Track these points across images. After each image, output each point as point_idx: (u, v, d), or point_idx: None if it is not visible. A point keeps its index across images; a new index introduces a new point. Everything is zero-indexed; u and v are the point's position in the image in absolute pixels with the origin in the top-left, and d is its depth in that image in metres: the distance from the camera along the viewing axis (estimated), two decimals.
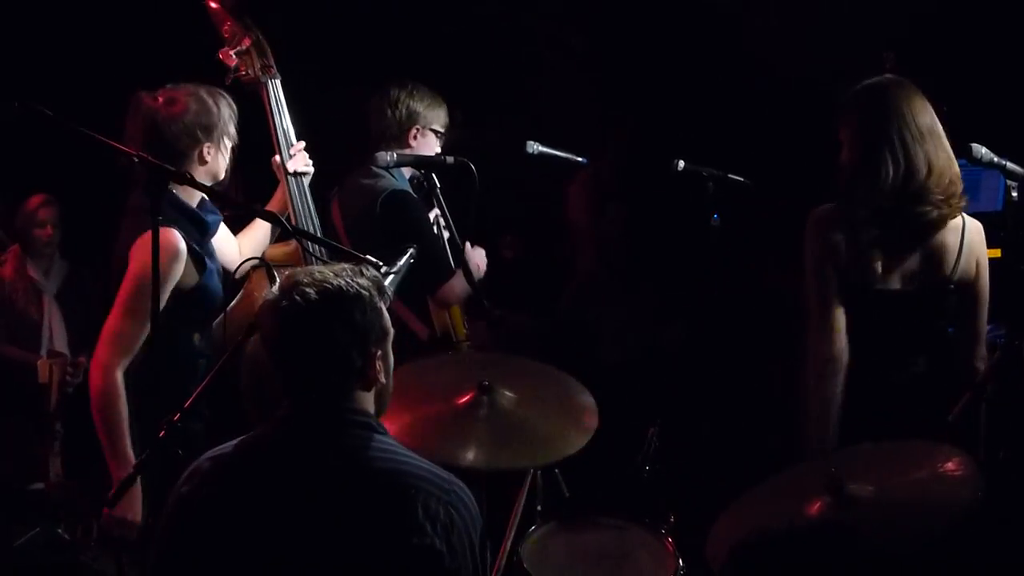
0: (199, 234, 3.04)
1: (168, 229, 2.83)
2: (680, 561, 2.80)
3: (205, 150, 3.04)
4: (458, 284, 3.68)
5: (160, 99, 3.02)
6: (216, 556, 2.00)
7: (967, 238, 2.99)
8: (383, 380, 2.10)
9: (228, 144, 3.11)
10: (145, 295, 2.66)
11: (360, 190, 3.77)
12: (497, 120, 5.40)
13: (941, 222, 2.95)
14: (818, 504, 2.29)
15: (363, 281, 2.06)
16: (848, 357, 2.99)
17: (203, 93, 3.06)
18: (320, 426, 2.05)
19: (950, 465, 2.27)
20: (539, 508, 3.10)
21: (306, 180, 3.41)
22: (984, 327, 3.03)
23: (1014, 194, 2.86)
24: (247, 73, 3.35)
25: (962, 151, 2.87)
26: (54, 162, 4.77)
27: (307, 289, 2.01)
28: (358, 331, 2.03)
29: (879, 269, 2.96)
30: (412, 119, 3.80)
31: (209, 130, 3.04)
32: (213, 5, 3.35)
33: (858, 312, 2.99)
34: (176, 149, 2.97)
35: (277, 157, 3.40)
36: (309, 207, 3.40)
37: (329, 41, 5.24)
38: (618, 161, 4.92)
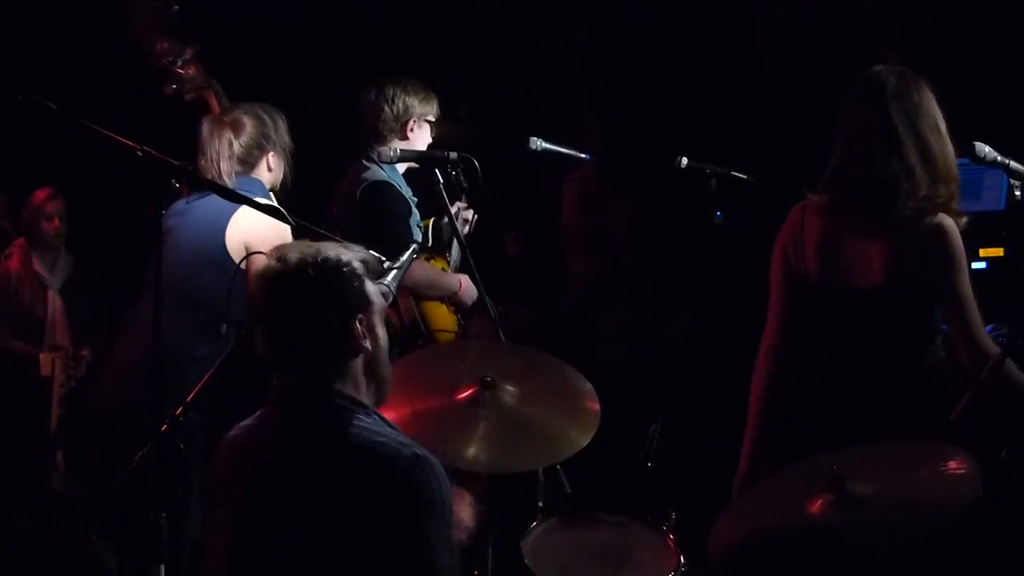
0: None
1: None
2: (682, 558, 2.80)
3: (270, 158, 3.42)
4: (417, 270, 3.75)
5: (227, 121, 3.37)
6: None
7: (936, 239, 2.81)
8: (367, 347, 2.12)
9: (285, 151, 3.46)
10: None
11: (349, 180, 3.90)
12: (500, 116, 5.41)
13: (915, 220, 2.82)
14: (820, 502, 2.29)
15: (348, 252, 2.14)
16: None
17: (259, 110, 3.43)
18: (302, 409, 2.11)
19: (952, 464, 2.27)
20: (541, 504, 3.10)
21: None
22: (968, 327, 2.81)
23: (1017, 193, 2.85)
24: (192, 81, 3.40)
25: (965, 150, 2.85)
26: (58, 156, 4.77)
27: (290, 255, 2.11)
28: (336, 294, 2.09)
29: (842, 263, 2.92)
30: (408, 112, 3.91)
31: (271, 139, 3.42)
32: (145, 37, 3.41)
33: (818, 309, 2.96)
34: (247, 162, 3.37)
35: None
36: None
37: (332, 37, 5.25)
38: (600, 160, 4.92)
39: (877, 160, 2.82)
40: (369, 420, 2.09)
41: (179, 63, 3.37)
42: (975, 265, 5.01)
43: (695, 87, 5.36)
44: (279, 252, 2.14)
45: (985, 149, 2.81)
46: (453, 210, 3.95)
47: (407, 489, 2.00)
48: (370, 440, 2.05)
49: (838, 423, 2.88)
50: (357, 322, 2.11)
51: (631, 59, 5.70)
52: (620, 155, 5.24)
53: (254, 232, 3.19)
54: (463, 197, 4.02)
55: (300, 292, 2.09)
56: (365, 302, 2.14)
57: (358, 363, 2.13)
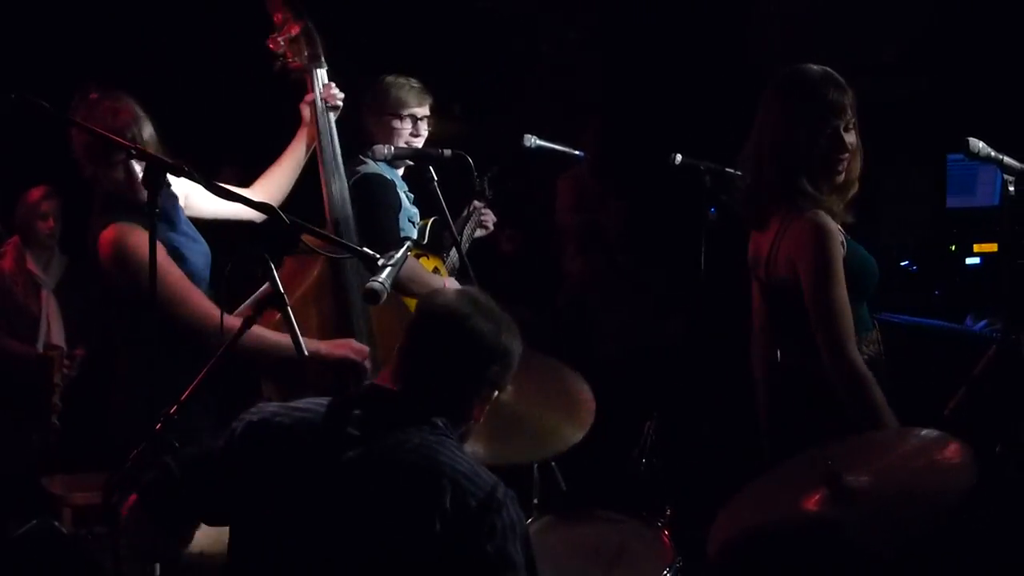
0: (165, 224, 3.06)
1: (132, 227, 2.92)
2: (677, 555, 2.81)
3: None
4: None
5: None
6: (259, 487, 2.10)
7: (801, 235, 2.81)
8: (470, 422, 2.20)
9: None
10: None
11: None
12: (495, 113, 5.41)
13: (790, 215, 2.84)
14: (816, 497, 2.29)
15: (506, 339, 2.19)
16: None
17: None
18: (394, 412, 2.12)
19: (947, 453, 2.27)
20: (536, 501, 3.11)
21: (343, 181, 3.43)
22: (826, 334, 2.74)
23: (1011, 188, 2.85)
24: (294, 60, 3.36)
25: (959, 145, 2.86)
26: (52, 156, 4.75)
27: (458, 304, 2.18)
28: (466, 367, 2.15)
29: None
30: (384, 108, 3.87)
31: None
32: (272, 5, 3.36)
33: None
34: None
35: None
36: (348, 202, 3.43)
37: (329, 34, 5.24)
38: (594, 158, 4.93)
39: (754, 157, 2.93)
40: (457, 448, 2.12)
41: (281, 41, 3.34)
42: (969, 261, 5.03)
43: (689, 84, 5.37)
44: (454, 297, 2.22)
45: (979, 145, 2.81)
46: (467, 210, 4.01)
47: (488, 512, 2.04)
48: (451, 461, 2.06)
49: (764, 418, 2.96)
50: (480, 401, 2.18)
51: (626, 58, 5.71)
52: (614, 152, 5.25)
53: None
54: (484, 200, 4.04)
55: (439, 342, 2.15)
56: (488, 386, 2.20)
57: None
